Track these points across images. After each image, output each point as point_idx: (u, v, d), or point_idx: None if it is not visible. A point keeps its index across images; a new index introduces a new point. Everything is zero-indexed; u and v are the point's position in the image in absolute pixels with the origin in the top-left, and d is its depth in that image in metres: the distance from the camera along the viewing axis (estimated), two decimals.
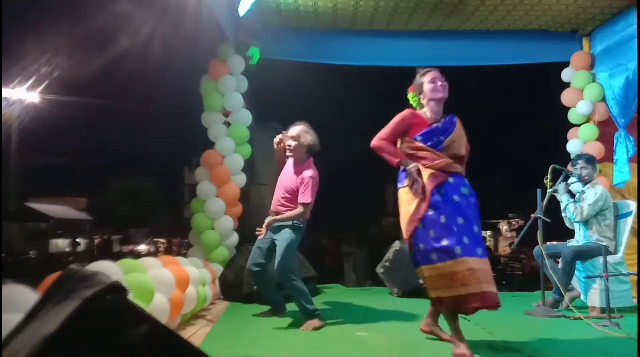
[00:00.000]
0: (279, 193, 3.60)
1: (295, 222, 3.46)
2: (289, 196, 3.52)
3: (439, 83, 2.75)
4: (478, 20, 5.18)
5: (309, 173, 3.45)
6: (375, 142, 2.79)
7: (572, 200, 4.01)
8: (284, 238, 3.43)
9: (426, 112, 2.77)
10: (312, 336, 3.10)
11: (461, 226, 2.52)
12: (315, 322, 3.26)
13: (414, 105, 2.85)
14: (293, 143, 3.51)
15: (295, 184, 3.49)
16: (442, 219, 2.52)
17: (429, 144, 2.68)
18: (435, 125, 2.71)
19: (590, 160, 4.11)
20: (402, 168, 2.72)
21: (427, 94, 2.75)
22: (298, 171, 3.51)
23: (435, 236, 2.50)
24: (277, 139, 3.59)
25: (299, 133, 3.51)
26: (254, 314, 3.64)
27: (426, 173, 2.62)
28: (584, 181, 4.05)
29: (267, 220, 3.51)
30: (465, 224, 2.53)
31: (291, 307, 3.60)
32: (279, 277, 3.39)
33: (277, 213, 3.54)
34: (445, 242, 2.47)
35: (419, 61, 4.52)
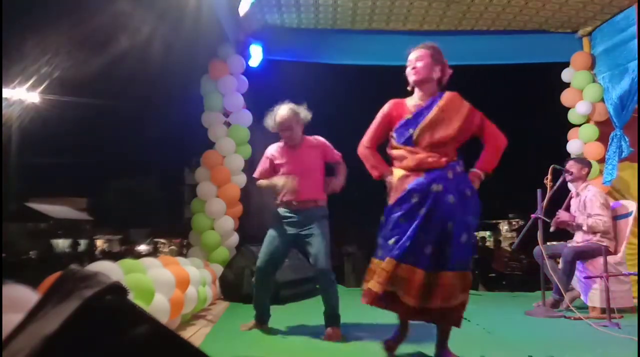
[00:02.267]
0: (305, 182, 3.08)
1: (323, 208, 3.13)
2: (313, 176, 3.14)
3: (412, 65, 2.42)
4: (476, 18, 5.17)
5: (318, 138, 3.21)
6: (359, 150, 2.56)
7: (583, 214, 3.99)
8: (322, 233, 3.04)
9: (414, 97, 2.47)
10: (311, 335, 3.10)
11: (401, 226, 2.30)
12: (339, 332, 2.98)
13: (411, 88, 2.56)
14: (288, 133, 3.14)
15: (316, 158, 3.16)
16: (392, 219, 2.35)
17: (402, 140, 2.39)
18: (406, 118, 2.40)
19: (579, 160, 4.17)
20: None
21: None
22: (303, 147, 3.18)
23: (384, 234, 2.38)
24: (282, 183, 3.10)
25: (290, 118, 3.11)
26: (241, 329, 3.25)
27: (396, 177, 2.38)
28: (574, 181, 4.08)
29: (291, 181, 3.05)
30: (421, 227, 2.26)
31: (292, 306, 3.58)
32: (321, 275, 3.01)
33: (310, 201, 3.10)
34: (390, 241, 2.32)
35: None
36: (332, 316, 3.04)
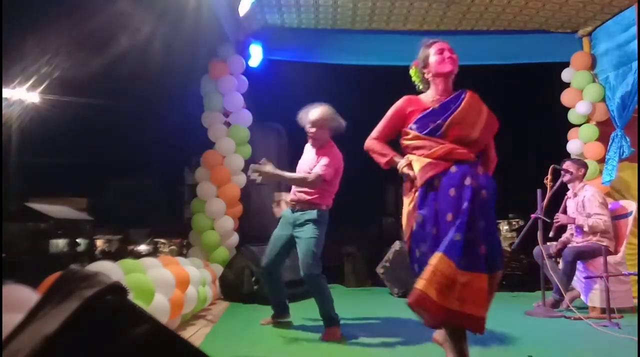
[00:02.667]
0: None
1: (318, 214, 3.13)
2: None
3: (447, 54, 2.33)
4: (476, 15, 5.17)
5: (328, 152, 3.17)
6: (366, 143, 2.46)
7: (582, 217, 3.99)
8: (308, 233, 3.10)
9: (429, 93, 2.38)
10: (311, 335, 3.10)
11: (447, 224, 2.10)
12: (337, 332, 3.02)
13: (416, 81, 2.47)
14: (314, 130, 3.17)
15: (310, 167, 3.18)
16: (426, 215, 2.17)
17: (426, 131, 2.26)
18: (431, 108, 2.29)
19: (576, 161, 4.17)
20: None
21: (432, 67, 2.34)
22: (318, 151, 3.22)
23: (426, 240, 2.16)
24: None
25: (322, 117, 3.16)
26: (261, 323, 3.44)
27: (419, 164, 2.22)
28: (571, 181, 4.09)
29: (280, 198, 3.31)
30: (453, 221, 2.09)
31: (291, 306, 3.58)
32: (304, 277, 3.08)
33: (298, 201, 3.20)
34: (428, 247, 2.13)
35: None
36: (326, 317, 3.08)
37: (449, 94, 2.33)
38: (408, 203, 2.27)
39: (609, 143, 4.93)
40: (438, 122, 2.24)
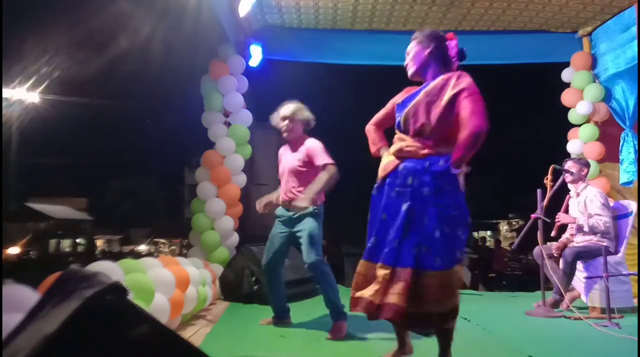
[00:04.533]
0: (286, 181, 3.28)
1: (314, 208, 3.14)
2: (297, 178, 3.22)
3: (406, 60, 2.34)
4: (476, 17, 5.17)
5: (308, 143, 3.21)
6: (366, 126, 2.51)
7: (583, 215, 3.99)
8: (308, 228, 3.13)
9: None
10: (311, 335, 3.10)
11: (382, 224, 2.16)
12: (344, 327, 2.99)
13: None
14: (286, 123, 3.26)
15: (299, 161, 3.20)
16: (371, 216, 2.26)
17: (396, 126, 2.30)
18: (397, 102, 2.34)
19: (578, 161, 4.17)
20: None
21: None
22: (296, 149, 3.26)
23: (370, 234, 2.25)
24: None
25: (293, 111, 3.26)
26: (261, 323, 3.41)
27: (382, 161, 2.30)
28: (574, 182, 4.09)
29: (268, 199, 3.32)
30: (387, 222, 2.14)
31: (291, 306, 3.58)
32: (310, 268, 3.10)
33: (290, 201, 3.20)
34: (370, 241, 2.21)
35: None
36: (332, 308, 3.08)
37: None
38: None
39: (620, 144, 4.92)
40: (398, 116, 2.27)
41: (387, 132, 2.47)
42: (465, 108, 2.07)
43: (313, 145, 3.18)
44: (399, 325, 2.24)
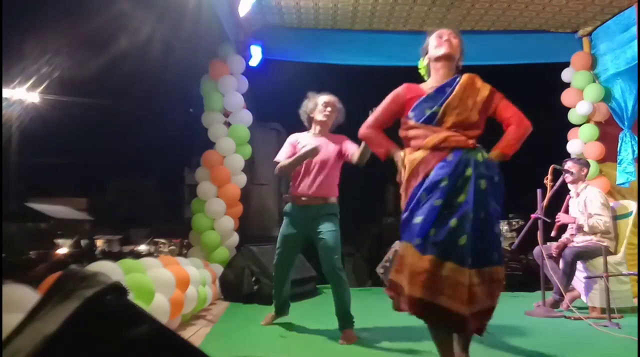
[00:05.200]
0: (316, 174, 3.09)
1: (334, 206, 3.09)
2: (331, 171, 3.10)
3: (445, 38, 2.26)
4: (476, 17, 5.18)
5: (340, 135, 3.18)
6: (361, 131, 2.38)
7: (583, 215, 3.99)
8: (332, 229, 3.01)
9: (429, 81, 2.30)
10: (311, 335, 3.10)
11: (434, 209, 1.99)
12: (353, 334, 2.94)
13: (423, 74, 2.39)
14: (329, 109, 3.16)
15: (332, 156, 3.10)
16: (421, 206, 2.04)
17: (422, 119, 2.16)
18: (427, 94, 2.20)
19: (578, 161, 4.17)
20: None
21: (430, 52, 2.29)
22: (327, 141, 3.15)
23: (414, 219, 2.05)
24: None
25: (336, 99, 3.20)
26: (262, 324, 3.40)
27: (416, 157, 2.12)
28: (574, 182, 4.09)
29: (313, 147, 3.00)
30: (445, 214, 1.99)
31: (291, 306, 3.58)
32: (331, 272, 2.98)
33: (316, 196, 3.05)
34: (417, 222, 2.02)
35: (418, 60, 4.53)
36: (345, 316, 3.00)
37: (446, 78, 2.25)
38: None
39: (619, 144, 4.92)
40: (433, 108, 2.15)
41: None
42: (511, 107, 2.23)
43: (344, 136, 3.15)
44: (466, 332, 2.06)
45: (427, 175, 2.07)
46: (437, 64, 2.26)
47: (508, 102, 2.24)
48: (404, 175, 2.15)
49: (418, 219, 2.01)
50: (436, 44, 2.26)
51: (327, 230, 3.00)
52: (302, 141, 3.19)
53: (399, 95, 2.28)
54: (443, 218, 1.98)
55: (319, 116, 3.20)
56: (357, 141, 2.84)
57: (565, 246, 4.02)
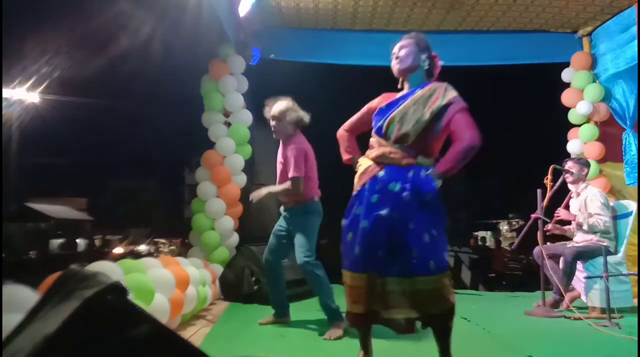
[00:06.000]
0: (278, 179, 3.35)
1: (306, 207, 3.19)
2: (281, 177, 3.27)
3: (395, 54, 2.25)
4: (476, 19, 5.18)
5: (291, 148, 3.17)
6: (338, 132, 2.47)
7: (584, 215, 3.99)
8: (299, 225, 3.19)
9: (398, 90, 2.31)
10: (311, 335, 3.10)
11: (363, 232, 2.04)
12: (340, 327, 2.98)
13: None
14: (274, 123, 3.25)
15: (280, 162, 3.27)
16: (348, 223, 2.13)
17: (376, 130, 2.22)
18: (380, 107, 2.24)
19: (579, 161, 4.17)
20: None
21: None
22: (284, 149, 3.26)
23: (345, 241, 2.14)
24: None
25: (280, 111, 3.23)
26: (259, 323, 3.42)
27: (362, 165, 2.21)
28: (574, 182, 4.09)
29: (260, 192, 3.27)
30: (368, 229, 2.03)
31: (291, 306, 3.58)
32: (299, 266, 3.12)
33: (291, 200, 3.26)
34: (347, 249, 2.12)
35: None
36: (326, 309, 3.09)
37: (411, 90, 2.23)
38: None
39: (623, 144, 4.92)
40: (380, 121, 2.19)
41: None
42: (459, 121, 2.08)
43: (290, 154, 3.17)
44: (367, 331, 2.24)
45: (363, 185, 2.15)
46: (401, 79, 2.28)
47: (463, 115, 2.10)
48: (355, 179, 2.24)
49: (350, 236, 2.11)
50: (392, 62, 2.27)
51: (294, 227, 3.24)
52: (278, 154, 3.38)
53: (371, 104, 2.34)
54: (366, 235, 2.04)
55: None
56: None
57: (563, 230, 4.03)
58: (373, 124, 2.24)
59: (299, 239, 3.17)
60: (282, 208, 3.38)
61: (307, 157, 3.20)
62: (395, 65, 2.24)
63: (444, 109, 2.09)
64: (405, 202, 2.03)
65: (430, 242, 2.00)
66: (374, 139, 2.23)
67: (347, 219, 2.16)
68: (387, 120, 2.15)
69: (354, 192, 2.19)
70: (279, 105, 3.26)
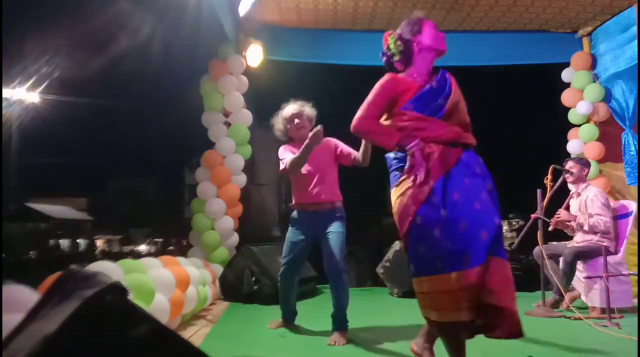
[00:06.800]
0: (319, 181, 3.08)
1: (341, 209, 3.12)
2: (330, 176, 3.13)
3: (441, 34, 2.15)
4: (476, 19, 5.18)
5: (328, 139, 3.11)
6: (357, 123, 2.15)
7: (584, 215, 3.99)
8: (339, 228, 3.04)
9: (409, 72, 2.15)
10: (312, 335, 3.10)
11: (474, 213, 1.88)
12: (344, 336, 2.92)
13: (393, 51, 2.21)
14: (297, 121, 3.15)
15: (328, 160, 3.12)
16: (434, 217, 1.89)
17: (427, 111, 2.03)
18: (428, 86, 2.07)
19: (579, 161, 4.16)
20: (393, 158, 2.10)
21: (425, 41, 2.13)
22: (322, 145, 3.06)
23: (439, 237, 1.87)
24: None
25: (303, 108, 3.19)
26: (269, 326, 3.35)
27: (435, 150, 1.97)
28: (575, 182, 4.09)
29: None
30: (474, 216, 1.88)
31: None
32: (334, 273, 2.97)
33: (324, 201, 3.06)
34: (452, 245, 1.85)
35: None
36: (340, 319, 2.99)
37: (432, 74, 2.14)
38: (400, 193, 2.01)
39: (622, 144, 4.92)
40: (439, 101, 2.03)
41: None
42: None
43: (334, 140, 3.15)
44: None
45: (447, 171, 1.94)
46: (428, 55, 2.14)
47: None
48: (426, 165, 1.96)
49: (437, 232, 1.88)
50: (435, 35, 2.13)
51: (336, 231, 3.02)
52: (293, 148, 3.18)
53: (389, 85, 2.13)
54: (476, 224, 1.88)
55: (292, 133, 3.19)
56: (354, 139, 2.78)
57: (564, 225, 4.03)
58: (418, 104, 2.04)
59: (339, 243, 2.99)
60: (295, 213, 3.19)
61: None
62: (444, 44, 2.18)
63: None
64: (492, 184, 1.99)
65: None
66: (423, 122, 2.02)
67: (423, 215, 1.91)
68: (450, 101, 2.04)
69: (432, 181, 1.92)
70: (294, 106, 3.22)
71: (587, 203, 3.99)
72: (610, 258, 3.75)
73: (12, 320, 1.03)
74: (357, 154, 3.06)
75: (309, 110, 3.23)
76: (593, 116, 5.20)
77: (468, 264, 1.82)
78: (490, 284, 1.81)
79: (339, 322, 2.98)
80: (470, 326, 1.91)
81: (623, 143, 4.91)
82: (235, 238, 5.15)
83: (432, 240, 1.89)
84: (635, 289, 4.13)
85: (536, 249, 4.03)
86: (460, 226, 1.87)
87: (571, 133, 5.39)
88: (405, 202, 1.97)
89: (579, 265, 3.92)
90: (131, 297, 1.41)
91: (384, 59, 2.26)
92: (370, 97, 2.15)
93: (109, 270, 2.43)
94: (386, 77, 2.15)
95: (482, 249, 1.82)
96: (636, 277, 4.07)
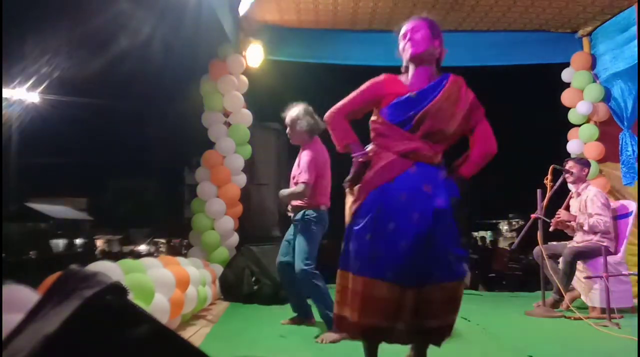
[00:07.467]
0: (290, 184, 3.36)
1: (310, 215, 3.18)
2: (294, 183, 3.29)
3: (408, 35, 2.04)
4: (476, 19, 5.19)
5: (305, 154, 3.22)
6: (327, 113, 2.13)
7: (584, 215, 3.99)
8: (300, 232, 3.20)
9: (407, 76, 2.06)
10: (311, 335, 3.09)
11: (387, 233, 1.86)
12: (334, 334, 2.88)
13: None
14: (288, 130, 3.35)
15: (297, 170, 3.29)
16: (367, 223, 1.89)
17: (397, 121, 1.97)
18: (407, 95, 1.97)
19: (579, 161, 4.17)
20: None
21: (400, 53, 2.08)
22: (299, 155, 3.31)
23: (362, 242, 1.91)
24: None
25: (292, 118, 3.29)
26: (282, 323, 3.38)
27: (382, 161, 1.96)
28: (575, 182, 4.09)
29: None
30: (395, 232, 1.85)
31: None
32: (296, 274, 3.12)
33: (292, 205, 3.29)
34: (362, 252, 1.88)
35: None
36: (325, 319, 3.06)
37: (428, 79, 2.01)
38: (352, 202, 2.02)
39: (620, 144, 4.92)
40: (410, 113, 1.95)
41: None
42: (485, 126, 2.05)
43: (302, 160, 3.22)
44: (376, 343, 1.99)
45: (388, 182, 1.92)
46: (410, 65, 2.06)
47: (486, 119, 2.05)
48: (364, 176, 2.00)
49: (369, 237, 1.88)
50: (401, 46, 2.07)
51: (297, 235, 3.21)
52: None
53: (376, 85, 2.07)
54: (390, 238, 1.85)
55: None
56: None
57: (565, 225, 4.03)
58: (391, 112, 1.99)
59: (299, 245, 3.15)
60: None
61: (318, 165, 3.21)
62: (407, 49, 2.03)
63: (471, 107, 2.01)
64: (438, 205, 1.87)
65: (456, 248, 1.90)
66: (389, 129, 1.98)
67: (362, 218, 1.91)
68: (420, 113, 1.93)
69: (372, 188, 1.93)
70: (292, 112, 3.31)
71: (587, 203, 3.99)
72: (610, 258, 3.75)
73: (12, 320, 1.03)
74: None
75: (300, 122, 3.28)
76: (593, 116, 5.20)
77: (376, 275, 1.84)
78: (423, 309, 1.84)
79: (328, 323, 3.05)
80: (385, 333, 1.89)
81: (620, 143, 4.91)
82: (235, 238, 5.14)
83: (357, 243, 1.93)
84: (635, 289, 4.13)
85: (536, 249, 4.03)
86: (367, 237, 1.88)
87: (571, 133, 5.39)
88: (349, 211, 2.01)
89: (579, 265, 3.92)
90: (131, 297, 1.41)
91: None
92: (352, 92, 2.11)
93: (109, 270, 2.43)
94: (380, 76, 2.10)
95: (386, 268, 1.83)
96: (636, 277, 4.07)
